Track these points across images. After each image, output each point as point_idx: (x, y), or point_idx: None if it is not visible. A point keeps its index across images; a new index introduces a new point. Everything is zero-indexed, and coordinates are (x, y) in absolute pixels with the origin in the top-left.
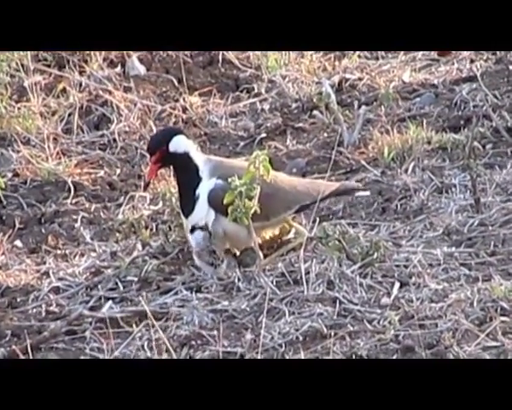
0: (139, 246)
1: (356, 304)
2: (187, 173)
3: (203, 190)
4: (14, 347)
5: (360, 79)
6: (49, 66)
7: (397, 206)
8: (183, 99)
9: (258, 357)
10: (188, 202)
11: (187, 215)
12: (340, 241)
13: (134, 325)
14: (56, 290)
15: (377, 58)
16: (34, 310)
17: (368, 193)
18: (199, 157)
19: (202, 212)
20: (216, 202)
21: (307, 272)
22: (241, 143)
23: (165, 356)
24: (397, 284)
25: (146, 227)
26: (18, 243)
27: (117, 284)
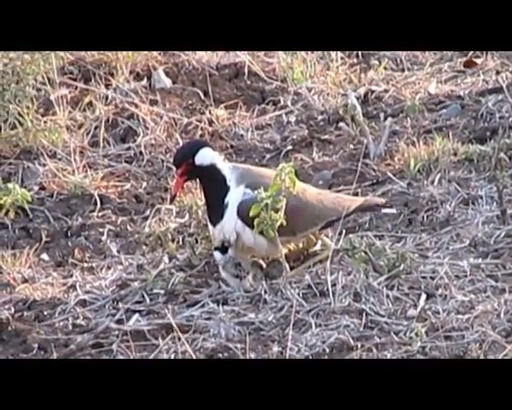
0: (166, 259)
1: (382, 316)
2: (215, 184)
3: (232, 199)
4: None
5: (386, 91)
6: (74, 79)
7: (423, 217)
8: (209, 112)
9: None
10: (216, 210)
11: (215, 224)
12: (366, 253)
13: (160, 338)
14: (83, 303)
15: (403, 70)
16: (61, 323)
17: (394, 211)
18: (225, 167)
19: (232, 221)
20: (244, 214)
21: (334, 284)
22: (268, 156)
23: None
24: (423, 296)
25: (172, 240)
26: (44, 256)
27: (143, 296)
